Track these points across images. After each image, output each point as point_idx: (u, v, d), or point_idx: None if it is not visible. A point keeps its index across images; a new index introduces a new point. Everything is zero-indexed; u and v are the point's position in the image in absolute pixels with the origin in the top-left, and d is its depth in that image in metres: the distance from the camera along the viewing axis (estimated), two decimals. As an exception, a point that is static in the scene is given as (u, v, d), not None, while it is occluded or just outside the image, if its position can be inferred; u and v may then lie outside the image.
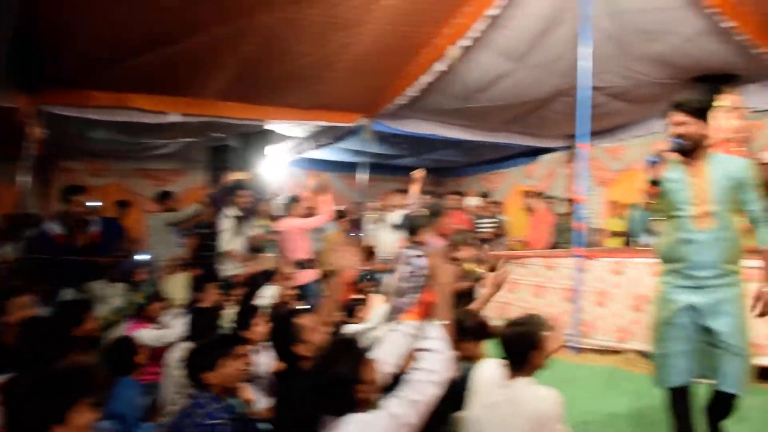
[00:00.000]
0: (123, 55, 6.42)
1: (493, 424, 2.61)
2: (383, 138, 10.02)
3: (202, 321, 4.15)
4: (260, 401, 3.24)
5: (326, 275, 3.98)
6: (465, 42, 6.78)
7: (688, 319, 3.17)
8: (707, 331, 3.13)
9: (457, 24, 6.65)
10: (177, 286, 6.26)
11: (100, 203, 8.68)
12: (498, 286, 4.00)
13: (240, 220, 7.81)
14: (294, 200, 7.38)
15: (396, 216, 7.49)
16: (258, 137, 9.53)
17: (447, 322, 2.12)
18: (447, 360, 2.01)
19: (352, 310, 5.08)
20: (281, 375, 2.95)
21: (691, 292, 3.17)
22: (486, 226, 9.36)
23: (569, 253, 6.67)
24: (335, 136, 9.80)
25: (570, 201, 9.51)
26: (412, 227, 4.94)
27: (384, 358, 2.25)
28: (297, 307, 4.80)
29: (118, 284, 6.50)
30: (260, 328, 3.90)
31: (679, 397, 3.25)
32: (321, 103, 8.47)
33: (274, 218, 8.03)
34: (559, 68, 7.66)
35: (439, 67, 7.25)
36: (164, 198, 8.03)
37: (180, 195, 11.22)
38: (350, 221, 11.14)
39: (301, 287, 5.81)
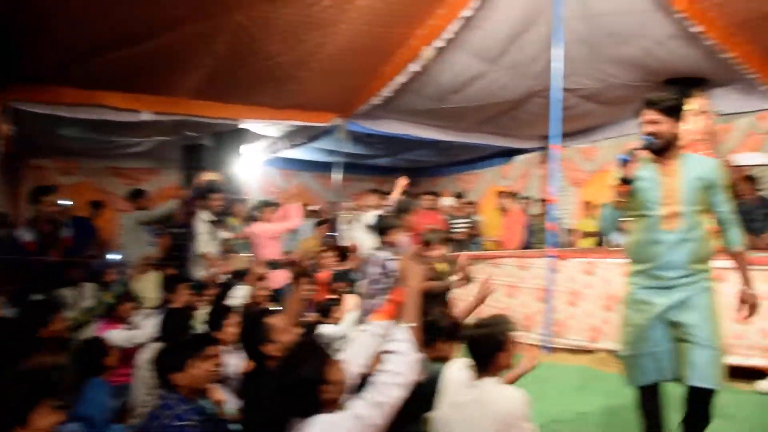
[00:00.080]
0: (95, 52, 6.33)
1: (461, 424, 2.62)
2: (358, 138, 10.03)
3: (173, 321, 4.11)
4: (231, 402, 3.23)
5: (296, 276, 3.96)
6: (439, 43, 6.81)
7: (657, 321, 3.13)
8: (675, 325, 3.10)
9: (431, 25, 6.68)
10: (148, 286, 6.19)
11: (70, 203, 8.61)
12: (483, 298, 4.05)
13: (214, 223, 7.80)
14: (266, 204, 7.36)
15: (370, 216, 7.48)
16: (232, 136, 9.48)
17: (414, 325, 2.12)
18: (412, 363, 2.01)
19: (327, 310, 5.07)
20: (250, 375, 2.94)
21: (659, 294, 3.14)
22: (460, 226, 9.40)
23: (542, 254, 6.73)
24: (310, 135, 9.78)
25: (543, 201, 9.60)
26: (381, 228, 4.94)
27: (352, 358, 2.25)
28: (268, 308, 4.78)
29: (89, 284, 6.45)
30: (232, 328, 3.87)
31: (649, 396, 3.24)
32: (295, 102, 8.44)
33: (247, 220, 8.00)
34: (533, 70, 7.74)
35: (414, 67, 7.28)
36: (137, 197, 7.94)
37: (153, 194, 11.15)
38: (325, 221, 11.14)
39: (274, 289, 5.79)
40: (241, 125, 8.97)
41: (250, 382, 2.86)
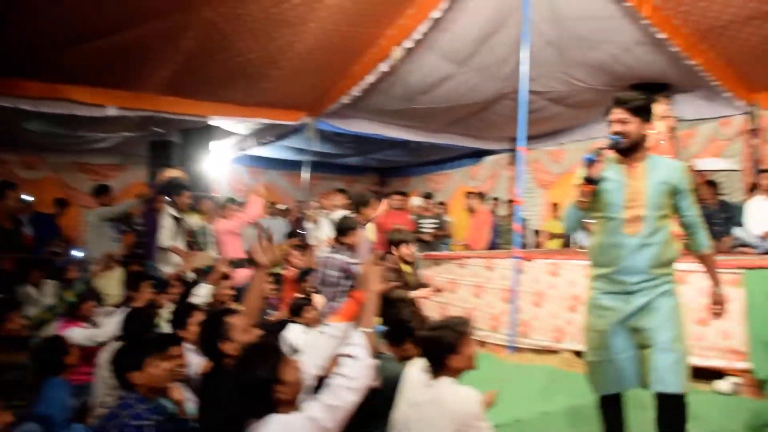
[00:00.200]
0: (60, 45, 6.22)
1: (418, 424, 2.63)
2: (327, 137, 10.01)
3: (135, 320, 4.06)
4: (192, 401, 3.20)
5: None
6: (408, 43, 6.84)
7: (618, 327, 3.06)
8: (637, 331, 3.03)
9: (401, 25, 6.71)
10: (111, 284, 6.11)
11: (32, 198, 8.46)
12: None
13: (178, 219, 7.73)
14: (229, 201, 7.31)
15: (337, 215, 7.48)
16: (201, 133, 9.38)
17: (370, 330, 2.13)
18: (367, 368, 2.02)
19: (299, 309, 5.04)
20: (208, 375, 2.92)
21: (620, 299, 3.07)
22: (428, 226, 9.43)
23: (507, 254, 6.78)
24: (278, 134, 9.73)
25: (511, 203, 9.69)
26: (340, 229, 4.92)
27: (309, 360, 2.25)
28: (228, 307, 4.75)
29: (51, 282, 6.34)
30: (196, 327, 3.82)
31: (611, 405, 3.21)
32: (264, 100, 8.41)
33: (211, 216, 7.95)
34: (502, 72, 7.81)
35: (383, 67, 7.30)
36: (101, 193, 7.82)
37: (120, 190, 11.01)
38: (293, 219, 11.12)
39: (238, 287, 5.75)
40: (210, 122, 8.89)
41: (208, 382, 2.84)
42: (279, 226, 10.88)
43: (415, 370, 2.84)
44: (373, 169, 15.32)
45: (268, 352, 2.11)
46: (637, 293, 3.04)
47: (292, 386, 2.05)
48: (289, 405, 2.04)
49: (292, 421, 1.94)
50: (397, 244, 5.32)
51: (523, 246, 10.34)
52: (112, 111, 7.52)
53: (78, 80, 7.16)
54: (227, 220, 7.02)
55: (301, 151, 10.65)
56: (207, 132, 9.36)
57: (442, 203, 11.06)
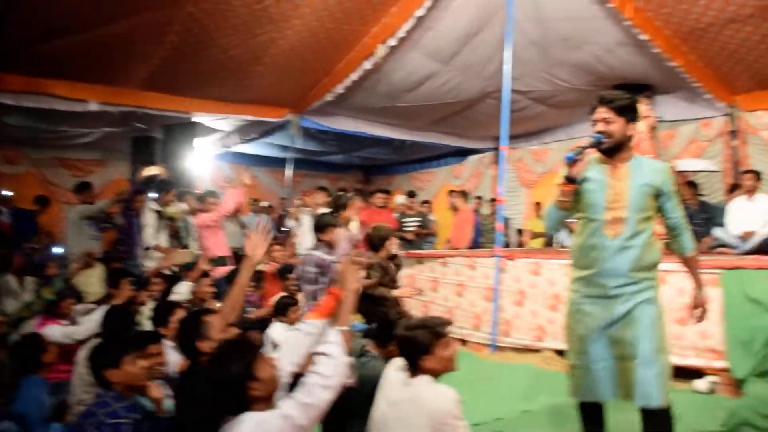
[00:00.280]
0: (41, 39, 6.14)
1: (396, 422, 2.64)
2: (311, 134, 9.99)
3: (115, 317, 4.03)
4: (171, 399, 3.19)
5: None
6: (392, 41, 6.84)
7: (598, 335, 2.99)
8: (617, 341, 2.96)
9: (385, 23, 6.72)
10: (91, 281, 6.07)
11: (12, 193, 8.37)
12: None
13: (161, 216, 7.72)
14: (207, 195, 7.27)
15: (319, 213, 7.48)
16: (184, 129, 9.33)
17: (346, 329, 2.12)
18: (342, 366, 2.02)
19: (284, 309, 5.03)
20: (185, 373, 2.91)
21: (600, 304, 3.00)
22: (411, 225, 9.44)
23: (489, 253, 6.81)
24: (262, 131, 9.69)
25: (494, 201, 9.72)
26: (317, 226, 4.91)
27: (285, 357, 2.25)
28: (210, 306, 4.73)
29: (30, 278, 6.28)
30: (177, 324, 3.81)
31: (591, 413, 3.16)
32: (248, 97, 8.37)
33: (194, 212, 7.92)
34: (485, 71, 7.84)
35: (367, 65, 7.29)
36: (82, 190, 7.75)
37: (102, 186, 10.92)
38: (276, 217, 11.10)
39: (218, 284, 5.74)
40: (193, 119, 8.84)
41: (185, 380, 2.83)
42: (262, 224, 10.85)
43: (394, 368, 2.84)
44: (357, 166, 15.33)
45: (242, 349, 2.10)
46: (617, 299, 2.96)
47: (267, 383, 2.04)
48: (265, 402, 2.04)
49: (268, 418, 1.94)
50: (382, 241, 5.32)
51: (506, 245, 10.44)
52: (93, 106, 7.45)
53: (59, 74, 7.07)
54: (206, 214, 6.97)
55: (285, 148, 10.61)
56: (190, 128, 9.31)
57: (426, 202, 11.07)
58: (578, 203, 3.09)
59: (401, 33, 6.71)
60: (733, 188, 7.65)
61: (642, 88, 7.69)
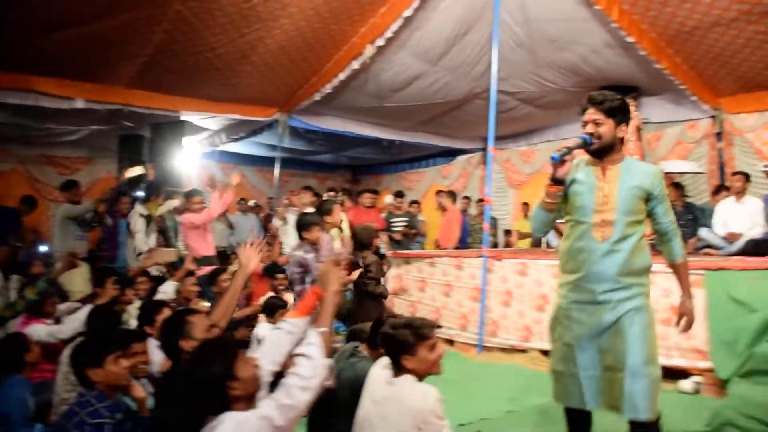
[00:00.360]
0: (27, 35, 6.11)
1: (379, 420, 2.64)
2: (300, 134, 9.98)
3: (99, 317, 4.01)
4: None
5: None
6: (380, 42, 6.85)
7: (586, 343, 2.91)
8: (605, 351, 2.87)
9: (373, 23, 6.73)
10: (75, 280, 6.03)
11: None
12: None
13: (149, 219, 7.72)
14: (193, 194, 7.24)
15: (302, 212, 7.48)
16: (172, 128, 9.28)
17: (325, 330, 2.12)
18: (321, 368, 2.01)
19: (273, 311, 5.01)
20: (167, 373, 2.90)
21: (588, 311, 2.91)
22: (399, 224, 9.44)
23: (476, 254, 6.83)
24: (250, 130, 9.67)
25: (481, 202, 9.74)
26: (299, 225, 4.90)
27: (265, 356, 2.24)
28: (194, 306, 4.72)
29: (14, 276, 6.24)
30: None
31: (578, 417, 3.08)
32: (235, 96, 8.35)
33: (180, 211, 7.90)
34: (473, 72, 7.86)
35: (355, 65, 7.29)
36: (69, 188, 7.70)
37: (89, 184, 10.88)
38: (264, 216, 11.08)
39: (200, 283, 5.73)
40: (181, 117, 8.81)
41: (167, 380, 2.82)
42: (249, 223, 10.84)
43: (380, 366, 2.84)
44: (345, 166, 15.32)
45: (223, 349, 2.09)
46: (605, 305, 2.87)
47: (247, 383, 2.04)
48: (246, 402, 2.03)
49: (248, 418, 1.93)
50: (371, 239, 5.33)
51: (494, 245, 10.47)
52: (80, 103, 7.42)
53: (46, 71, 7.03)
54: (192, 214, 6.94)
55: (273, 147, 10.61)
56: (178, 127, 9.26)
57: (415, 202, 11.08)
58: (567, 206, 3.04)
59: (389, 33, 6.72)
60: (719, 190, 7.69)
61: (628, 90, 7.73)
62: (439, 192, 10.23)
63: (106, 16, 5.88)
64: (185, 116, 8.79)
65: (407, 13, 6.44)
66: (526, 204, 10.64)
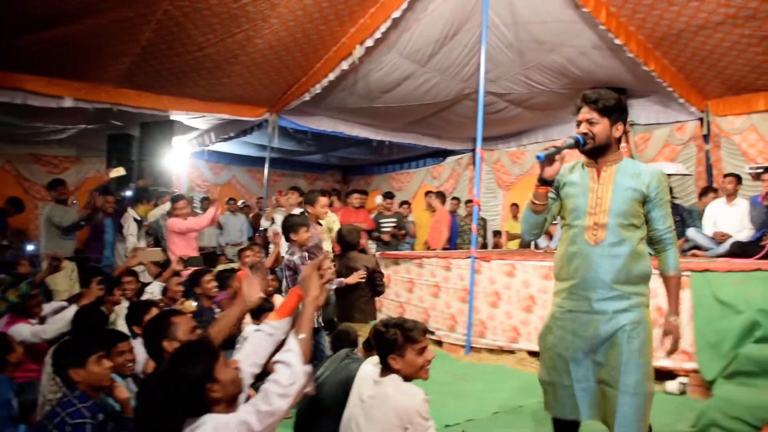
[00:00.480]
0: (13, 33, 6.07)
1: (366, 419, 2.66)
2: (289, 134, 9.97)
3: (84, 317, 3.99)
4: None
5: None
6: (369, 42, 6.85)
7: (581, 357, 2.77)
8: (600, 365, 2.74)
9: (362, 24, 6.73)
10: (60, 280, 6.00)
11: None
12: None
13: (140, 223, 7.70)
14: (176, 199, 7.22)
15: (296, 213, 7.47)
16: (161, 127, 9.26)
17: (305, 336, 2.10)
18: (300, 375, 2.00)
19: (259, 313, 4.99)
20: (150, 374, 2.89)
21: (584, 322, 2.75)
22: (388, 225, 9.44)
23: (464, 254, 6.84)
24: (239, 130, 9.65)
25: (470, 203, 9.76)
26: (284, 227, 4.88)
27: (247, 358, 2.23)
28: (181, 305, 4.71)
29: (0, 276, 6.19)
30: (147, 324, 3.78)
31: (565, 429, 2.92)
32: (225, 95, 8.34)
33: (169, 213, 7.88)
34: (463, 73, 7.87)
35: (345, 66, 7.29)
36: (55, 186, 7.65)
37: (78, 183, 10.84)
38: (253, 216, 11.05)
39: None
40: (171, 116, 8.78)
41: (149, 380, 2.81)
42: (239, 223, 10.83)
43: (370, 364, 2.85)
44: (335, 166, 15.32)
45: (202, 350, 2.08)
46: (601, 315, 2.72)
47: (227, 385, 2.02)
48: (227, 404, 2.03)
49: (228, 421, 1.93)
50: (357, 241, 5.33)
51: (483, 246, 10.50)
52: (68, 102, 7.39)
53: (34, 70, 7.00)
54: (177, 219, 6.92)
55: (263, 147, 10.60)
56: (168, 126, 9.24)
57: (406, 203, 11.09)
58: (562, 209, 2.92)
59: (378, 34, 6.73)
60: (706, 191, 7.72)
61: (617, 92, 7.72)
62: (428, 193, 10.24)
63: (95, 14, 5.87)
64: (174, 116, 8.77)
65: (396, 14, 6.45)
66: (515, 205, 10.67)
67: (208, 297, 5.13)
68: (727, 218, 6.91)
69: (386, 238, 9.21)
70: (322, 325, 4.86)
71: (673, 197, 7.76)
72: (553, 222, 3.02)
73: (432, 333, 2.67)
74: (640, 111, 8.44)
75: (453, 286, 6.81)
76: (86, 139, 10.21)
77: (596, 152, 2.80)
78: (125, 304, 4.93)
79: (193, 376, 1.98)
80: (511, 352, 6.12)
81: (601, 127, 2.74)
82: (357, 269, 5.06)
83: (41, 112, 7.95)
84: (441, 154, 12.65)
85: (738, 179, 7.01)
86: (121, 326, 4.67)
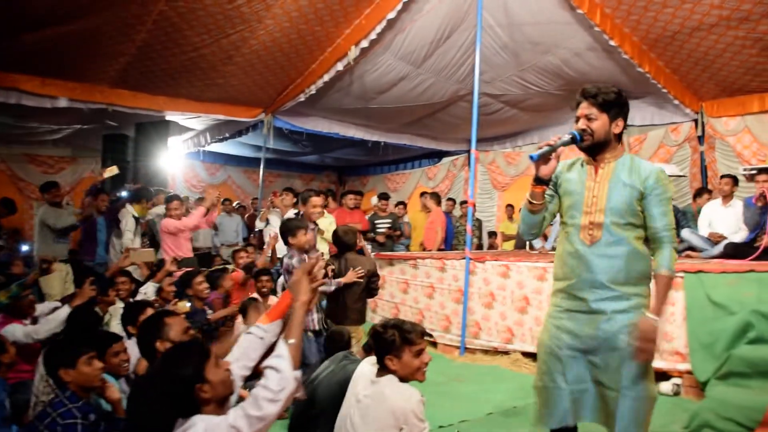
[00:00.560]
0: (8, 33, 6.05)
1: (361, 419, 2.67)
2: (285, 135, 9.97)
3: (77, 317, 3.99)
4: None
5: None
6: (364, 44, 6.85)
7: (580, 357, 2.68)
8: (598, 367, 2.64)
9: (357, 25, 6.74)
10: (53, 283, 5.98)
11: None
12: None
13: (138, 220, 7.69)
14: (169, 200, 7.21)
15: (290, 215, 7.46)
16: (156, 127, 9.25)
17: (294, 342, 2.09)
18: (289, 380, 2.00)
19: (244, 311, 4.98)
20: (143, 374, 2.90)
21: (582, 322, 2.67)
22: (383, 226, 9.45)
23: (459, 255, 6.84)
24: (235, 130, 9.64)
25: (464, 204, 9.77)
26: (284, 231, 4.87)
27: (237, 361, 2.23)
28: (175, 306, 4.71)
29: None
30: (142, 324, 3.78)
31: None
32: (220, 96, 8.32)
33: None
34: (458, 74, 7.88)
35: (340, 67, 7.29)
36: (48, 188, 7.62)
37: (73, 183, 10.83)
38: (248, 217, 11.05)
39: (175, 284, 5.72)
40: (166, 117, 8.77)
41: (141, 380, 2.82)
42: (234, 223, 10.82)
43: (368, 363, 2.87)
44: (331, 167, 15.33)
45: (194, 351, 2.08)
46: (599, 315, 2.62)
47: (217, 386, 2.03)
48: (217, 405, 2.03)
49: (218, 424, 1.93)
50: (353, 242, 5.33)
51: (479, 247, 10.51)
52: (63, 102, 7.36)
53: (28, 70, 6.98)
54: (170, 220, 6.92)
55: (258, 148, 10.60)
56: (163, 126, 9.24)
57: (402, 203, 11.10)
58: (560, 208, 2.84)
59: (373, 35, 6.72)
60: (700, 192, 7.75)
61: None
62: (423, 194, 10.25)
63: (90, 14, 5.85)
64: (170, 116, 8.75)
65: (391, 15, 6.45)
66: (510, 206, 10.69)
67: (199, 299, 5.13)
68: (723, 219, 6.92)
69: (381, 239, 9.22)
70: (326, 327, 4.85)
71: (669, 198, 7.76)
72: (550, 223, 2.93)
73: (430, 335, 2.65)
74: (634, 112, 8.44)
75: (448, 287, 6.81)
76: (81, 139, 10.19)
77: (595, 149, 2.71)
78: (120, 304, 4.93)
79: (184, 375, 1.98)
80: (506, 353, 6.12)
81: (600, 123, 2.66)
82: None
83: (36, 113, 7.93)
84: (436, 155, 12.65)
85: (734, 180, 7.02)
86: (116, 326, 4.68)
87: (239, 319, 4.97)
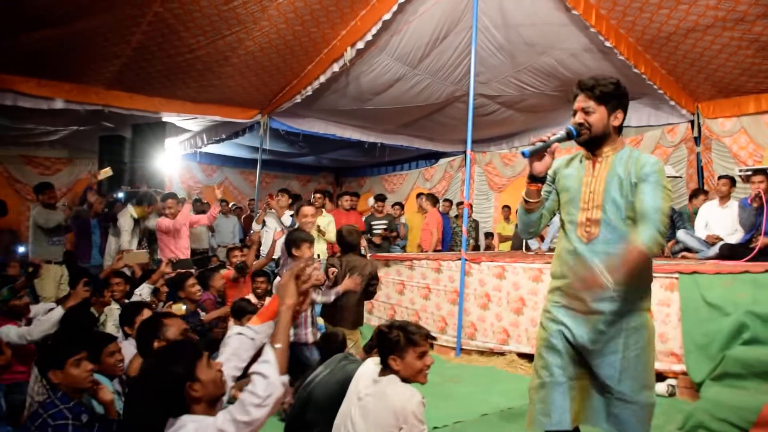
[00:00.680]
0: (4, 34, 6.04)
1: (361, 417, 2.68)
2: (281, 136, 9.97)
3: (71, 319, 3.98)
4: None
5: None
6: (360, 45, 6.86)
7: (573, 350, 2.59)
8: (599, 371, 2.55)
9: (353, 27, 6.74)
10: (47, 285, 5.98)
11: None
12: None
13: (137, 221, 7.68)
14: (163, 198, 7.21)
15: (286, 218, 7.47)
16: (153, 129, 9.23)
17: (281, 347, 2.08)
18: (276, 386, 1.99)
19: (240, 313, 4.98)
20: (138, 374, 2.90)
21: (580, 320, 2.58)
22: (379, 227, 9.45)
23: (455, 256, 6.84)
24: (231, 131, 9.65)
25: (461, 205, 9.77)
26: (287, 242, 4.84)
27: (227, 361, 2.22)
28: (170, 308, 4.70)
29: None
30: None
31: None
32: (216, 97, 8.33)
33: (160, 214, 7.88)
34: (454, 75, 7.89)
35: (336, 68, 7.30)
36: (42, 190, 7.61)
37: (69, 185, 10.81)
38: (245, 218, 11.04)
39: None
40: (163, 118, 8.76)
41: (136, 380, 2.82)
42: (230, 224, 10.82)
43: (369, 365, 2.89)
44: (328, 168, 15.33)
45: (185, 350, 2.09)
46: (598, 316, 2.53)
47: (207, 385, 2.03)
48: (207, 405, 2.03)
49: (207, 424, 1.93)
50: (357, 242, 5.32)
51: (475, 248, 10.51)
52: (59, 104, 7.36)
53: (25, 71, 6.97)
54: (165, 219, 6.92)
55: (255, 149, 10.61)
56: (160, 128, 9.22)
57: (399, 204, 11.09)
58: (559, 204, 2.76)
59: (369, 36, 6.74)
60: (697, 193, 7.75)
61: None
62: (419, 195, 10.25)
63: (86, 16, 5.85)
64: (166, 117, 8.75)
65: (387, 16, 6.47)
66: (507, 207, 10.69)
67: (192, 301, 5.14)
68: (720, 220, 6.91)
69: (377, 240, 9.22)
70: None
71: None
72: (547, 224, 2.85)
73: (434, 339, 2.64)
74: (631, 113, 8.29)
75: (443, 288, 6.82)
76: (78, 140, 10.18)
77: (593, 143, 2.61)
78: (115, 305, 4.93)
79: (174, 374, 1.99)
80: (502, 354, 6.12)
81: (598, 116, 2.54)
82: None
83: (32, 114, 7.92)
84: (433, 156, 12.67)
85: (732, 181, 7.00)
86: (111, 327, 4.68)
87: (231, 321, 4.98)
